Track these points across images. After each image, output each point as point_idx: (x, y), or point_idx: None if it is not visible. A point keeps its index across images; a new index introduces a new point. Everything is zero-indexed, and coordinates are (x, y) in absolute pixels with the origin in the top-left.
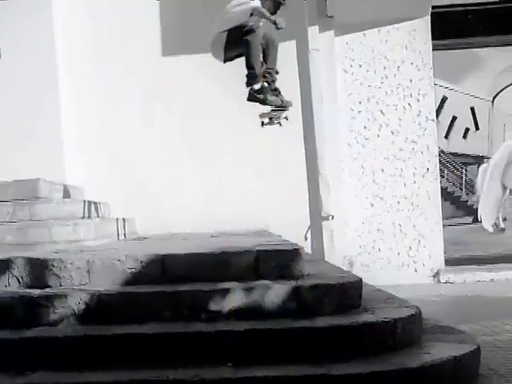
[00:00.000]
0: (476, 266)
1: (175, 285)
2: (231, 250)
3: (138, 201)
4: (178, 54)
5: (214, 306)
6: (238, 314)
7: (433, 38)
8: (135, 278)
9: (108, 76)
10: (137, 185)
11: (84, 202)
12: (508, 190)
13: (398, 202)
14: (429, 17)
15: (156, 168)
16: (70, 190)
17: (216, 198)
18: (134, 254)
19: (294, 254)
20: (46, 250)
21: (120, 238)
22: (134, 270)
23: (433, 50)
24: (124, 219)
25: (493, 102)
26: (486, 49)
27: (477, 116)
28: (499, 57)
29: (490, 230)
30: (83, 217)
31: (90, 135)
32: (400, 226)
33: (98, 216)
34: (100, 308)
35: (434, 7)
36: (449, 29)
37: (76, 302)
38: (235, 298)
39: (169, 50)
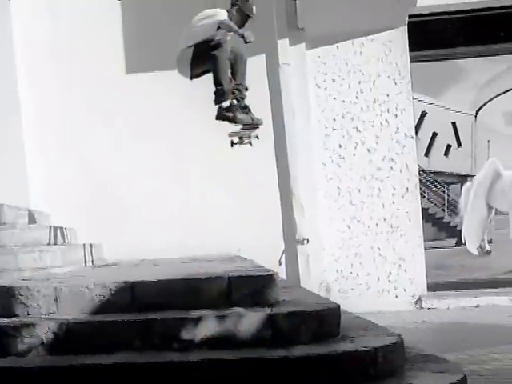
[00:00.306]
0: (460, 292)
1: (145, 313)
2: (202, 277)
3: (105, 226)
4: (141, 71)
5: (186, 335)
6: (211, 342)
7: (410, 50)
8: (104, 306)
9: (70, 96)
10: (103, 209)
11: (50, 227)
12: (493, 210)
13: (377, 224)
14: (405, 27)
15: (123, 192)
16: (36, 215)
17: (186, 223)
18: (103, 282)
19: (268, 279)
20: (12, 277)
21: (87, 264)
22: (102, 298)
23: (411, 61)
24: (91, 245)
25: (476, 116)
26: (467, 60)
27: (459, 132)
28: (482, 68)
29: (475, 252)
30: (49, 243)
31: (54, 160)
32: (379, 249)
33: (65, 242)
34: (69, 337)
35: (410, 16)
36: (427, 39)
37: (44, 332)
38: (208, 326)
39: (132, 67)
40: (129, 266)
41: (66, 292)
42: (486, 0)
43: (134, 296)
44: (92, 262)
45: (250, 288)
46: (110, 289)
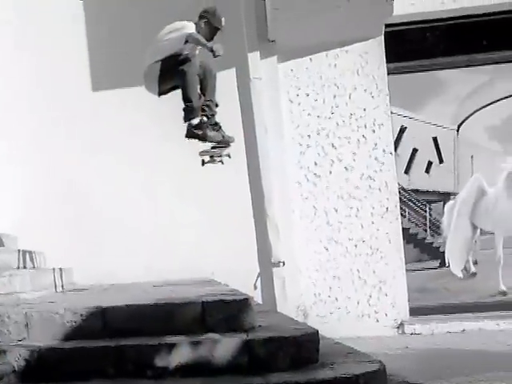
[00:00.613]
0: (445, 316)
1: (118, 339)
2: (175, 302)
3: (74, 249)
4: (108, 87)
5: (160, 362)
6: (186, 369)
7: (387, 61)
8: (75, 332)
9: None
10: (71, 232)
11: (18, 251)
12: (478, 230)
13: (356, 246)
14: (382, 37)
15: (91, 213)
16: (3, 238)
17: (157, 245)
18: (73, 307)
19: (243, 304)
20: None
21: (58, 289)
22: (73, 324)
23: (388, 74)
24: (61, 269)
25: (458, 130)
26: (448, 71)
27: (440, 147)
28: (464, 79)
29: (460, 274)
30: (18, 267)
31: (21, 181)
32: (358, 271)
33: (34, 266)
34: (40, 364)
35: (387, 26)
36: (405, 49)
37: (15, 359)
38: (182, 352)
39: (98, 84)
40: (99, 291)
41: (37, 318)
42: (467, 7)
43: (105, 322)
44: (62, 286)
45: (225, 313)
46: (81, 314)
